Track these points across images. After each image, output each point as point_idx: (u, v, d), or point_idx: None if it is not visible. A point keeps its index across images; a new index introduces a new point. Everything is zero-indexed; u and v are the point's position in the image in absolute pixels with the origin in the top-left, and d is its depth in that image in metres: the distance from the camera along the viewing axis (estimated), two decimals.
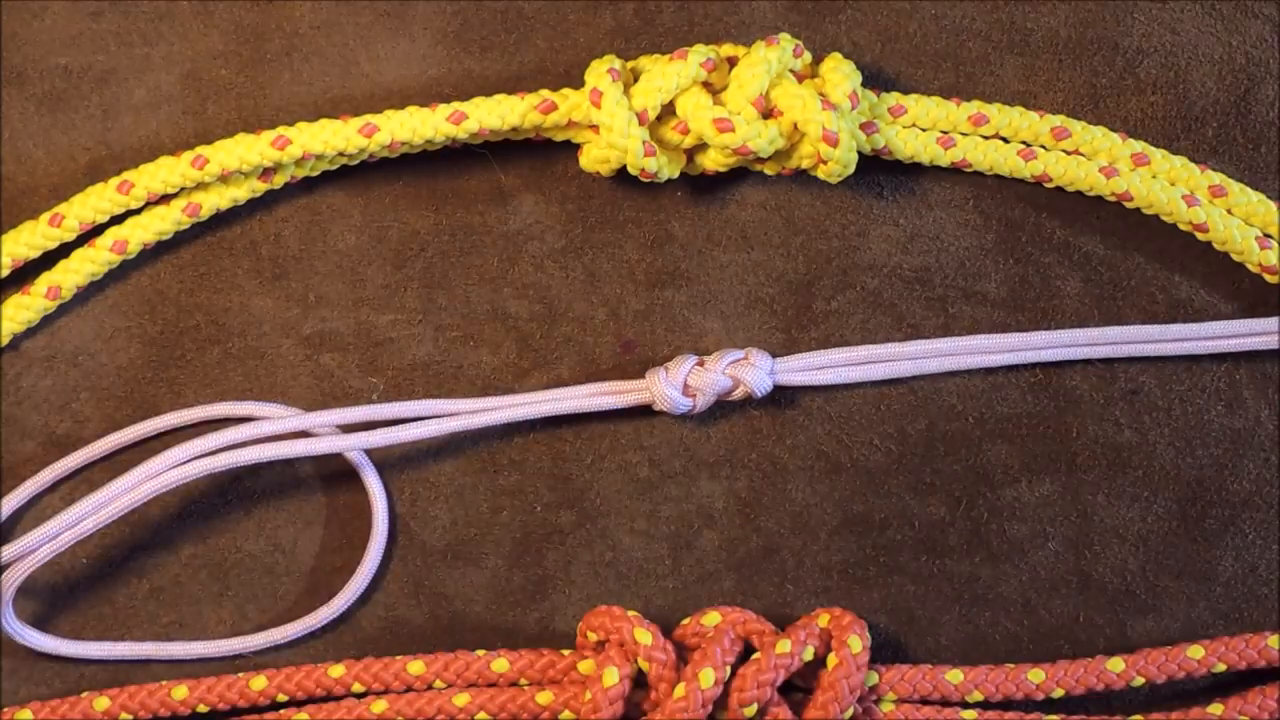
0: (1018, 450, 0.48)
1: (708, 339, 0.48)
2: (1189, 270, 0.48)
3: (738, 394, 0.46)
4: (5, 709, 0.47)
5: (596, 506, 0.48)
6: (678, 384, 0.46)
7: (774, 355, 0.47)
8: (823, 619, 0.47)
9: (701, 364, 0.46)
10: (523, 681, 0.47)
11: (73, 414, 0.48)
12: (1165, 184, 0.46)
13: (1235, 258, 0.47)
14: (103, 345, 0.48)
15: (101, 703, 0.46)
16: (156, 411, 0.48)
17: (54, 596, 0.48)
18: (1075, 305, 0.48)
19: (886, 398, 0.48)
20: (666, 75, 0.44)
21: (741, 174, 0.48)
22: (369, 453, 0.48)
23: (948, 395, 0.48)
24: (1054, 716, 0.47)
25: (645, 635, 0.45)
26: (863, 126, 0.46)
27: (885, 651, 0.48)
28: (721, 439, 0.48)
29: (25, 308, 0.47)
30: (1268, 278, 0.47)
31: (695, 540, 0.48)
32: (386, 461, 0.48)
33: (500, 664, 0.46)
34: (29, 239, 0.46)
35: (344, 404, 0.48)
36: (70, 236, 0.46)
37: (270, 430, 0.46)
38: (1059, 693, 0.46)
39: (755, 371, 0.46)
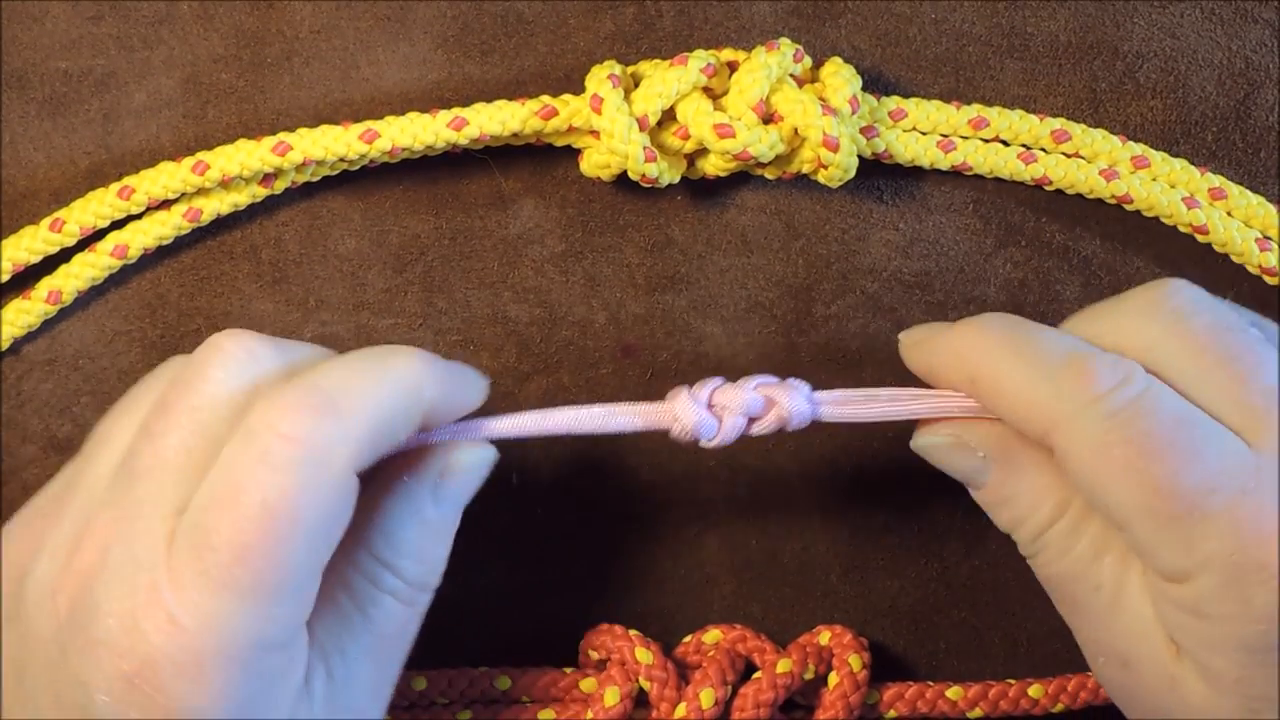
0: None
1: (708, 343, 0.48)
2: (1189, 273, 0.48)
3: (767, 423, 0.41)
4: None
5: (597, 510, 0.48)
6: (703, 400, 0.41)
7: (776, 368, 0.47)
8: (824, 637, 0.47)
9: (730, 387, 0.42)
10: (525, 699, 0.47)
11: (73, 418, 0.48)
12: (1165, 187, 0.46)
13: (1235, 260, 0.47)
14: (104, 349, 0.48)
15: None
16: None
17: None
18: (1075, 309, 0.47)
19: None
20: (667, 81, 0.44)
21: (742, 178, 0.48)
22: None
23: None
24: None
25: (646, 655, 0.46)
26: (863, 131, 0.46)
27: (884, 654, 0.48)
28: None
29: (26, 312, 0.47)
30: (1267, 279, 0.47)
31: (696, 544, 0.48)
32: None
33: (503, 681, 0.46)
34: (29, 244, 0.46)
35: None
36: (71, 241, 0.46)
37: None
38: (1059, 708, 0.46)
39: (793, 395, 0.41)
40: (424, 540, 0.39)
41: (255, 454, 0.34)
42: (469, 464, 0.40)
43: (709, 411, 0.41)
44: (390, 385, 0.37)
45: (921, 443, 0.41)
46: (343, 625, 0.37)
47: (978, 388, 0.39)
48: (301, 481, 0.34)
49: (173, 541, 0.34)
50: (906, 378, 0.48)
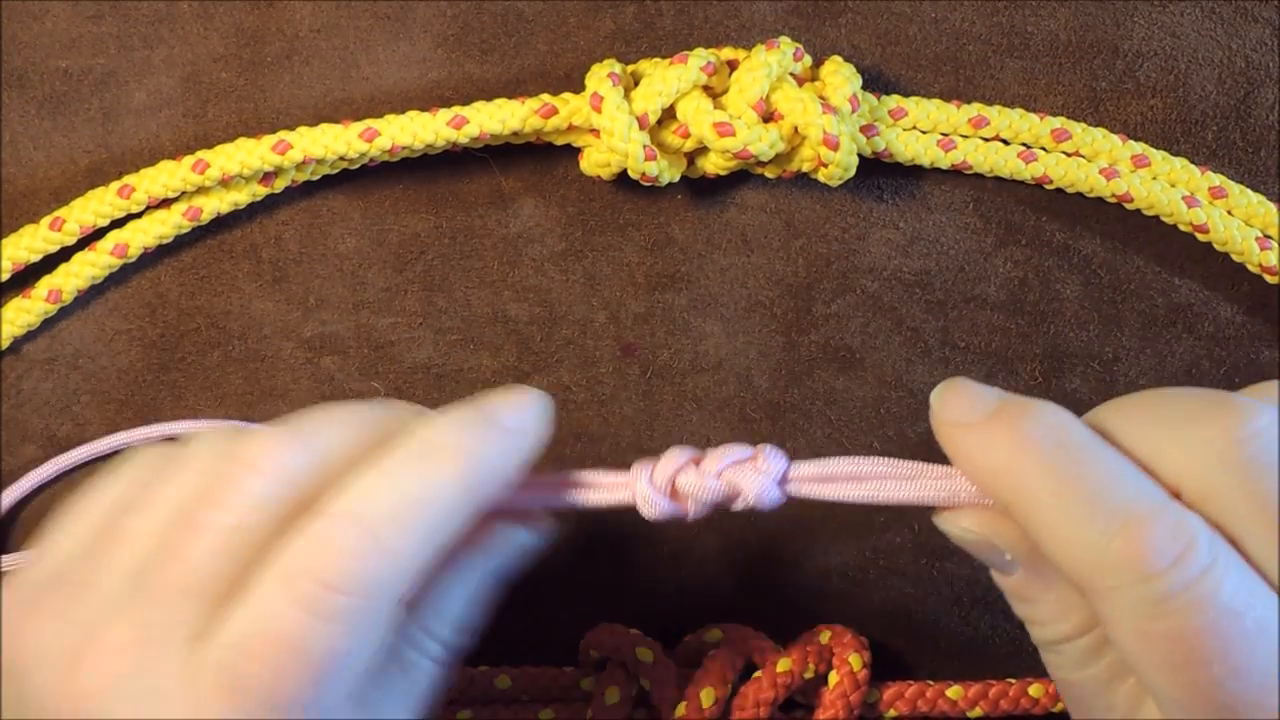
0: None
1: (708, 342, 0.48)
2: (1189, 272, 0.48)
3: (735, 506, 0.38)
4: None
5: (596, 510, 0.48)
6: (663, 486, 0.38)
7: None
8: (824, 636, 0.47)
9: (696, 462, 0.38)
10: (525, 699, 0.47)
11: (73, 417, 0.48)
12: (1166, 185, 0.46)
13: (1235, 258, 0.47)
14: (103, 348, 0.48)
15: None
16: (157, 414, 0.48)
17: None
18: (1075, 308, 0.48)
19: (886, 401, 0.48)
20: (667, 79, 0.44)
21: (742, 177, 0.48)
22: None
23: None
24: None
25: (647, 654, 0.46)
26: (863, 129, 0.46)
27: (884, 654, 0.48)
28: (721, 442, 0.48)
29: (26, 311, 0.47)
30: (1268, 278, 0.47)
31: (695, 544, 0.48)
32: None
33: (502, 680, 0.46)
34: (29, 242, 0.46)
35: None
36: (71, 240, 0.46)
37: None
38: (1060, 707, 0.46)
39: (761, 481, 0.37)
40: (472, 612, 0.38)
41: (296, 600, 0.32)
42: (533, 542, 0.38)
43: (672, 500, 0.37)
44: (442, 503, 0.34)
45: (944, 529, 0.38)
46: (381, 681, 0.35)
47: (1014, 514, 0.34)
48: (349, 629, 0.32)
49: (196, 669, 0.32)
50: (902, 378, 0.48)
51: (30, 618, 0.34)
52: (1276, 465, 0.32)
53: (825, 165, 0.45)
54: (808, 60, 0.46)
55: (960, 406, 0.35)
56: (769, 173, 0.47)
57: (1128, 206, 0.46)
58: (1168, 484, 0.33)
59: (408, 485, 0.34)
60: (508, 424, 0.36)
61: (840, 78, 0.45)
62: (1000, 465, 0.34)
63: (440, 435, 0.35)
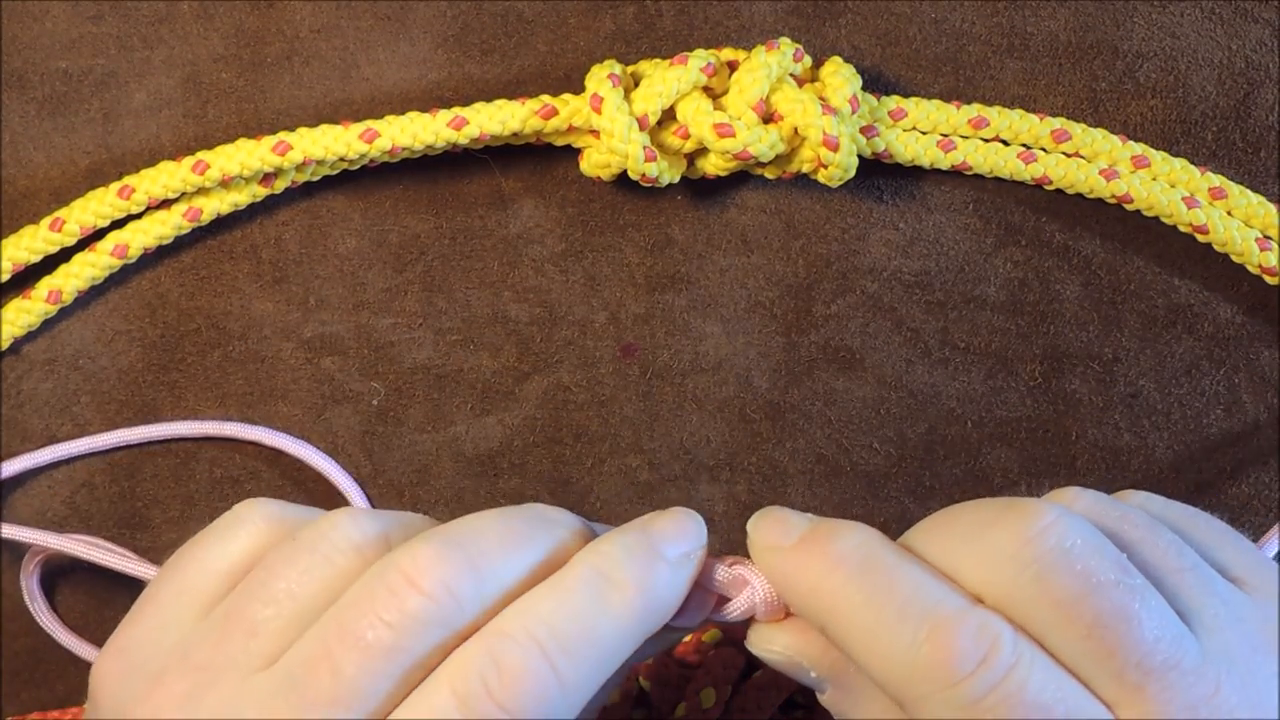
0: (1017, 454, 0.48)
1: (708, 343, 0.48)
2: (1188, 273, 0.48)
3: (737, 604, 0.38)
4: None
5: (596, 510, 0.48)
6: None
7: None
8: None
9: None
10: None
11: (73, 417, 0.48)
12: (1165, 186, 0.46)
13: (1235, 259, 0.47)
14: (103, 349, 0.48)
15: None
16: (157, 415, 0.48)
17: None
18: (1075, 309, 0.48)
19: (886, 401, 0.48)
20: (667, 80, 0.44)
21: (742, 178, 0.48)
22: (369, 457, 0.48)
23: (947, 399, 0.48)
24: None
25: None
26: (863, 130, 0.46)
27: None
28: (721, 443, 0.48)
29: (26, 311, 0.47)
30: (1267, 279, 0.47)
31: None
32: (386, 464, 0.48)
33: None
34: (29, 243, 0.46)
35: (344, 408, 0.48)
36: (71, 241, 0.46)
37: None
38: None
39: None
40: (606, 699, 0.38)
41: (470, 718, 0.32)
42: (679, 639, 0.38)
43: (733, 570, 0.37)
44: (617, 638, 0.34)
45: (756, 652, 0.38)
46: None
47: (830, 636, 0.35)
48: None
49: None
50: (902, 378, 0.48)
51: (153, 692, 0.33)
52: (1064, 560, 0.33)
53: (825, 166, 0.45)
54: (808, 61, 0.46)
55: (774, 532, 0.36)
56: (769, 173, 0.47)
57: (1128, 207, 0.46)
58: (971, 595, 0.34)
59: (586, 619, 0.33)
60: (672, 556, 0.36)
61: (840, 79, 0.45)
62: (812, 585, 0.34)
63: (614, 569, 0.34)
